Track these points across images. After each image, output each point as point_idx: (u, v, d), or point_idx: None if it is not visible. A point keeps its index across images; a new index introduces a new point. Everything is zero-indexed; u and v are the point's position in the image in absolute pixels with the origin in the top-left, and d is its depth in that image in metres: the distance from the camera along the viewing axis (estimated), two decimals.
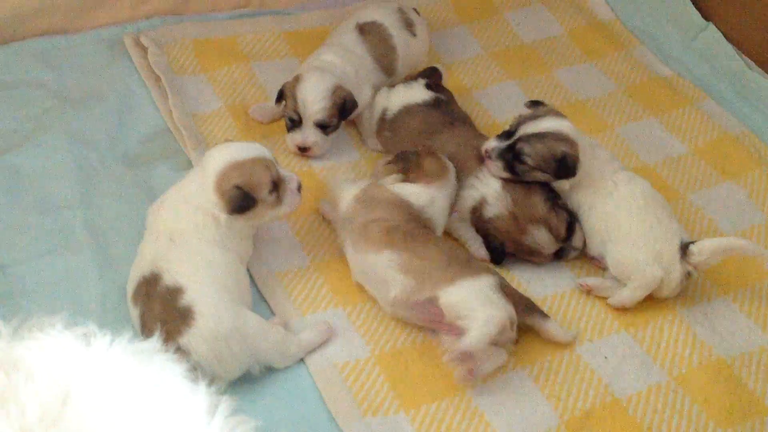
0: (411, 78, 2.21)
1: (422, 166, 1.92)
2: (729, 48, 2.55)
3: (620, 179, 1.93)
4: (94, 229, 1.93)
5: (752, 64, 2.52)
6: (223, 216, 1.72)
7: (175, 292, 1.61)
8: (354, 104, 2.13)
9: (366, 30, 2.28)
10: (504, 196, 1.92)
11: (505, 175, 1.92)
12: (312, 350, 1.73)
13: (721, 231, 2.07)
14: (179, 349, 1.54)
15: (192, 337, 1.57)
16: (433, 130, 2.05)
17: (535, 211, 1.90)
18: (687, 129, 2.36)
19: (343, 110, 2.11)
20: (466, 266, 1.73)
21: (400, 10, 2.35)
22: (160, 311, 1.61)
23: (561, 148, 1.88)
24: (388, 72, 2.29)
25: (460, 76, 2.49)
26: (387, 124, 2.14)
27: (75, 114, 2.19)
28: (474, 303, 1.65)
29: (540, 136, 1.90)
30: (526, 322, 1.75)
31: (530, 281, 1.92)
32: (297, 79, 2.09)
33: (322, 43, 2.34)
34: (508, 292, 1.72)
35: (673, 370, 1.77)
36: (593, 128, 2.33)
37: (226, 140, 1.89)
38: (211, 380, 1.53)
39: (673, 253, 1.81)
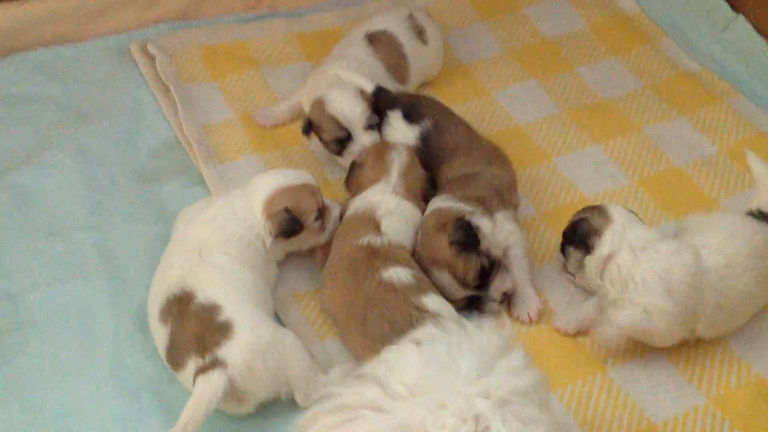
0: (383, 111, 2.03)
1: (356, 177, 1.90)
2: (760, 40, 2.44)
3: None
4: (104, 252, 1.87)
5: None
6: (269, 239, 1.73)
7: (211, 309, 1.59)
8: (386, 95, 2.04)
9: (375, 39, 2.20)
10: (419, 232, 1.80)
11: (561, 257, 1.79)
12: None
13: None
14: (215, 362, 1.52)
15: (230, 349, 1.54)
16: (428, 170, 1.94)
17: (438, 253, 1.74)
18: (717, 128, 2.26)
19: (377, 107, 2.03)
20: None
21: (410, 17, 2.27)
22: (196, 327, 1.57)
23: (585, 214, 1.74)
24: (401, 80, 2.21)
25: (479, 76, 2.40)
26: None
27: (82, 128, 2.13)
28: None
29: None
30: None
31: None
32: (321, 103, 1.99)
33: (334, 46, 2.27)
34: None
35: (710, 392, 1.69)
36: (619, 129, 2.25)
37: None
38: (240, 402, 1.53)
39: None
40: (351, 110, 1.98)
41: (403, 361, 1.31)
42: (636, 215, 1.75)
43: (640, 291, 1.64)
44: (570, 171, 2.13)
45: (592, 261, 1.69)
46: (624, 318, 1.65)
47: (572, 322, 1.76)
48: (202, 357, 1.54)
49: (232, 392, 1.53)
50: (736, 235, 1.72)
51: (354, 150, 2.00)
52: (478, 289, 1.75)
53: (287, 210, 1.73)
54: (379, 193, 1.85)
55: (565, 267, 1.80)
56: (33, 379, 1.65)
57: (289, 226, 1.73)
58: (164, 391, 1.64)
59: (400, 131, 2.00)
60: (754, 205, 1.86)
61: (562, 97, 2.34)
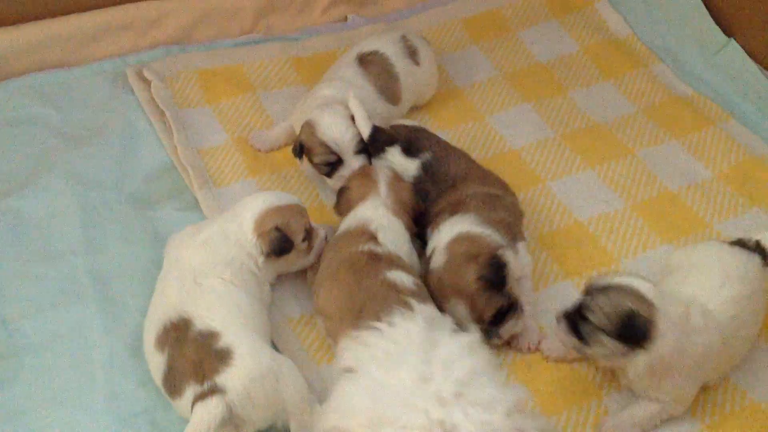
0: (380, 150, 2.02)
1: (345, 199, 1.90)
2: (752, 65, 2.46)
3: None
4: (99, 277, 1.87)
5: None
6: (261, 258, 1.75)
7: (210, 336, 1.59)
8: (382, 136, 2.05)
9: (366, 60, 2.21)
10: (443, 254, 1.75)
11: (569, 339, 1.60)
12: None
13: None
14: (214, 389, 1.52)
15: (230, 376, 1.54)
16: (429, 205, 1.93)
17: (462, 283, 1.70)
18: (711, 152, 2.27)
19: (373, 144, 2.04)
20: None
21: (403, 38, 2.28)
22: (194, 354, 1.57)
23: (628, 304, 1.55)
24: (393, 101, 2.22)
25: (473, 99, 2.41)
26: None
27: (77, 152, 2.13)
28: None
29: (606, 289, 1.57)
30: None
31: None
32: (311, 126, 2.00)
33: (325, 73, 2.28)
34: None
35: (705, 418, 1.69)
36: (613, 153, 2.26)
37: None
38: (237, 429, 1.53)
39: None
40: (341, 135, 1.99)
41: (349, 402, 1.32)
42: (650, 282, 1.61)
43: (671, 387, 1.60)
44: (564, 195, 2.14)
45: (643, 358, 1.56)
46: (644, 415, 1.63)
47: (554, 351, 1.76)
48: (201, 384, 1.53)
49: (230, 419, 1.52)
50: (730, 276, 1.67)
51: (344, 173, 2.01)
52: (489, 326, 1.72)
53: (278, 228, 1.75)
54: (371, 208, 1.86)
55: (576, 347, 1.62)
56: (28, 406, 1.65)
57: (279, 244, 1.75)
58: (158, 418, 1.64)
59: (400, 165, 2.00)
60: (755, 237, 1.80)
61: (556, 121, 2.35)
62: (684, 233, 2.05)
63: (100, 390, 1.67)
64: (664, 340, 1.54)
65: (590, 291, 1.58)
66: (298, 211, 1.81)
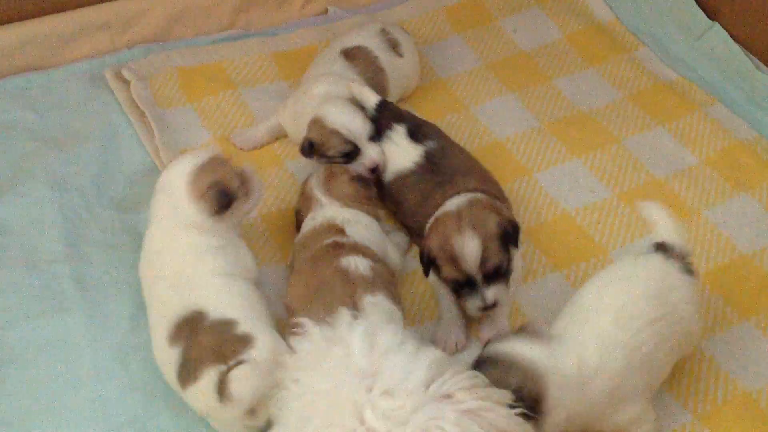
0: (386, 125, 2.00)
1: (298, 221, 1.90)
2: (736, 48, 2.45)
3: None
4: (83, 284, 1.85)
5: (761, 65, 2.42)
6: (208, 221, 1.69)
7: (227, 323, 1.56)
8: (391, 107, 2.05)
9: (351, 55, 2.19)
10: (465, 201, 1.77)
11: None
12: None
13: (740, 250, 1.98)
14: (239, 363, 1.49)
15: (254, 351, 1.51)
16: (426, 197, 1.89)
17: (482, 222, 1.71)
18: (696, 138, 2.26)
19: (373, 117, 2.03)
20: None
21: (383, 32, 2.26)
22: (212, 340, 1.55)
23: (513, 380, 1.42)
24: (382, 94, 2.18)
25: (457, 91, 2.39)
26: (386, 192, 1.99)
27: (57, 156, 2.10)
28: None
29: (495, 362, 1.46)
30: None
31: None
32: (320, 121, 1.97)
33: (308, 69, 2.25)
34: None
35: (697, 409, 1.69)
36: (599, 142, 2.24)
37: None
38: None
39: None
40: (352, 121, 1.96)
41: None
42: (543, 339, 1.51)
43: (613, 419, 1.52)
44: (551, 186, 2.13)
45: (551, 420, 1.45)
46: None
47: None
48: (224, 363, 1.51)
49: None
50: (629, 305, 1.55)
51: (364, 162, 1.97)
52: (483, 281, 1.70)
53: (212, 185, 1.70)
54: (329, 209, 1.84)
55: None
56: (13, 417, 1.63)
57: (221, 197, 1.70)
58: (147, 426, 1.62)
59: (404, 149, 1.96)
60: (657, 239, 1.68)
61: (541, 111, 2.34)
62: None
63: (87, 399, 1.65)
64: (563, 403, 1.44)
65: (481, 362, 1.48)
66: (219, 160, 1.75)
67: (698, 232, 2.02)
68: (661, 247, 1.64)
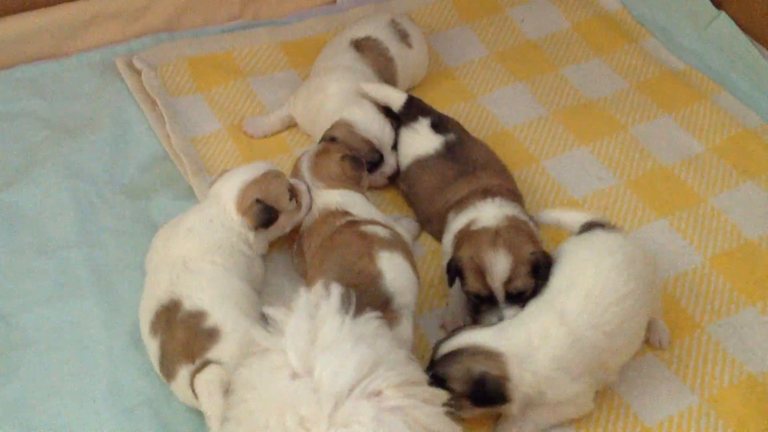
0: (412, 118, 2.03)
1: (292, 176, 1.90)
2: (742, 37, 2.45)
3: None
4: (96, 269, 1.87)
5: (767, 53, 2.42)
6: (251, 234, 1.75)
7: (198, 315, 1.60)
8: (419, 102, 2.07)
9: (362, 46, 2.20)
10: (502, 220, 1.74)
11: None
12: None
13: (746, 237, 1.99)
14: (207, 363, 1.53)
15: (220, 350, 1.55)
16: (446, 183, 1.91)
17: (518, 246, 1.69)
18: (704, 126, 2.28)
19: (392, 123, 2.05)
20: None
21: (393, 22, 2.27)
22: (183, 335, 1.58)
23: (477, 368, 1.51)
24: (391, 84, 2.20)
25: (465, 80, 2.41)
26: (402, 176, 2.02)
27: (69, 144, 2.12)
28: None
29: (453, 355, 1.54)
30: None
31: None
32: (350, 126, 1.97)
33: (317, 59, 2.27)
34: None
35: (704, 392, 1.70)
36: (606, 130, 2.26)
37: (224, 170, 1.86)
38: None
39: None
40: (382, 131, 1.99)
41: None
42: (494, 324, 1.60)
43: (558, 396, 1.56)
44: (558, 173, 2.14)
45: (514, 405, 1.54)
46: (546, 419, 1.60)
47: None
48: (192, 362, 1.55)
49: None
50: (576, 262, 1.62)
51: (385, 171, 2.01)
52: (506, 299, 1.70)
53: (258, 201, 1.75)
54: (320, 196, 1.85)
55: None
56: (29, 400, 1.65)
57: (264, 215, 1.75)
58: (161, 408, 1.64)
59: (425, 137, 1.98)
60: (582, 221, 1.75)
61: (548, 99, 2.35)
62: (679, 208, 2.06)
63: (101, 382, 1.67)
64: (524, 382, 1.51)
65: (439, 360, 1.54)
66: (274, 175, 1.80)
67: (705, 218, 2.04)
68: (593, 225, 1.69)
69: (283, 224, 1.81)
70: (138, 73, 2.28)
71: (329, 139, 1.97)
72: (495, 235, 1.70)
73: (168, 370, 1.59)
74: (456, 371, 1.51)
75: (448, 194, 1.88)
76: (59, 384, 1.68)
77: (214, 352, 1.55)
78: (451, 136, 1.98)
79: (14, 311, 1.78)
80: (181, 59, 2.34)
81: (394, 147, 2.03)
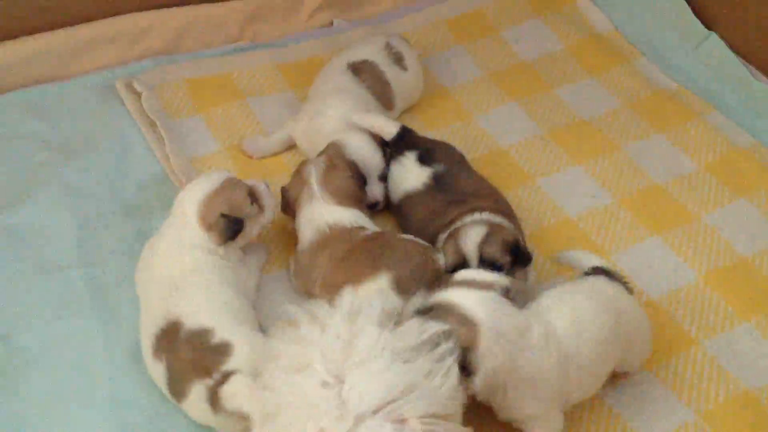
0: (399, 152, 2.03)
1: (285, 199, 1.93)
2: (733, 57, 2.50)
3: None
4: (97, 289, 1.89)
5: (758, 73, 2.47)
6: (220, 248, 1.76)
7: (203, 333, 1.61)
8: (387, 144, 2.08)
9: (359, 69, 2.23)
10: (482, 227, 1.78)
11: None
12: None
13: (740, 254, 2.02)
14: (227, 374, 1.54)
15: (235, 361, 1.56)
16: (436, 215, 1.92)
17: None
18: (695, 144, 2.31)
19: (384, 153, 2.07)
20: None
21: (388, 46, 2.30)
22: (191, 353, 1.59)
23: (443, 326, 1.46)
24: (388, 107, 2.25)
25: (460, 99, 2.44)
26: (394, 209, 2.05)
27: (70, 165, 2.14)
28: None
29: (430, 311, 1.50)
30: None
31: None
32: (340, 147, 1.99)
33: (316, 75, 2.30)
34: None
35: (699, 408, 1.72)
36: (600, 149, 2.29)
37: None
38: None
39: None
40: (371, 158, 2.01)
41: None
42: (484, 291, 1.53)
43: (519, 407, 1.53)
44: (553, 192, 2.17)
45: (478, 379, 1.46)
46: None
47: None
48: (209, 377, 1.55)
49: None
50: (581, 293, 1.63)
51: (367, 198, 2.03)
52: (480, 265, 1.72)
53: (222, 215, 1.75)
54: (318, 209, 1.86)
55: None
56: (30, 419, 1.66)
57: (231, 228, 1.76)
58: (162, 425, 1.66)
59: (412, 171, 1.99)
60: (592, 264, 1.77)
61: (543, 119, 2.38)
62: (672, 226, 2.08)
63: (103, 400, 1.68)
64: (492, 356, 1.44)
65: (428, 309, 1.50)
66: (232, 184, 1.79)
67: (698, 235, 2.06)
68: (600, 271, 1.71)
69: (250, 230, 1.82)
70: (138, 95, 2.30)
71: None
72: (473, 222, 1.79)
73: (178, 390, 1.60)
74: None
75: (437, 221, 1.90)
76: (60, 402, 1.69)
77: (230, 364, 1.56)
78: (439, 167, 1.98)
79: (15, 330, 1.79)
80: (180, 81, 2.37)
81: (384, 178, 2.04)
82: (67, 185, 2.10)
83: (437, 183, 1.97)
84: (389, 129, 2.06)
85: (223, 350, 1.58)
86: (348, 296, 1.49)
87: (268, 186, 1.86)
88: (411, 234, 1.90)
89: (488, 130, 2.34)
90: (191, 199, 1.77)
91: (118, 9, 2.42)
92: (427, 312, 1.48)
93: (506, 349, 1.46)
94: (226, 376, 1.54)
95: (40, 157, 2.16)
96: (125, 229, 2.02)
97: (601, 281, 1.68)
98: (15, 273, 1.91)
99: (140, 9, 2.44)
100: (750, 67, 2.48)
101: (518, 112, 2.40)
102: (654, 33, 2.64)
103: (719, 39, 2.53)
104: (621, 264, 1.98)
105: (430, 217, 1.93)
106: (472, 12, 2.73)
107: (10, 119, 2.24)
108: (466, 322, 1.45)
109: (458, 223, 1.84)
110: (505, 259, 1.73)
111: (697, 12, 2.60)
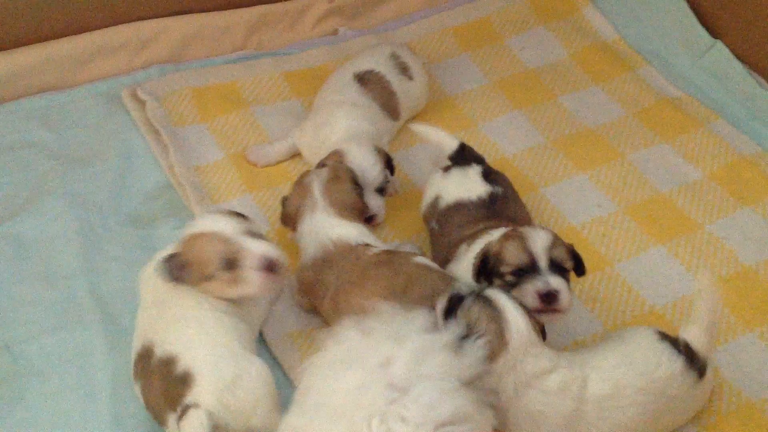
0: (465, 163, 2.01)
1: (285, 210, 1.91)
2: (738, 65, 2.49)
3: None
4: (100, 298, 1.89)
5: (763, 81, 2.46)
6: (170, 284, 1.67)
7: (168, 362, 1.57)
8: (391, 159, 2.08)
9: (365, 79, 2.24)
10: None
11: None
12: None
13: (743, 263, 2.01)
14: (188, 407, 1.51)
15: (197, 394, 1.53)
16: (469, 223, 1.89)
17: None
18: (700, 153, 2.30)
19: (389, 168, 2.06)
20: None
21: (393, 56, 2.31)
22: (160, 384, 1.58)
23: (482, 325, 1.52)
24: (394, 116, 2.25)
25: (465, 108, 2.44)
26: (437, 215, 1.97)
27: (75, 174, 2.16)
28: None
29: (488, 303, 1.54)
30: None
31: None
32: (341, 155, 2.00)
33: (321, 84, 2.30)
34: None
35: (702, 420, 1.71)
36: (604, 157, 2.29)
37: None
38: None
39: None
40: (370, 169, 2.00)
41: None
42: (536, 336, 1.54)
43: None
44: (558, 201, 2.17)
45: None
46: None
47: None
48: (174, 410, 1.54)
49: (217, 428, 1.51)
50: (634, 364, 1.58)
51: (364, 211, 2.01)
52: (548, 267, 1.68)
53: (171, 257, 1.65)
54: (320, 221, 1.85)
55: None
56: (33, 428, 1.67)
57: (169, 271, 1.64)
58: None
59: (475, 183, 1.95)
60: (683, 336, 1.66)
61: (547, 127, 2.38)
62: (676, 234, 2.08)
63: (105, 412, 1.69)
64: (497, 377, 1.49)
65: (478, 293, 1.55)
66: (212, 238, 1.63)
67: (702, 244, 2.06)
68: (684, 347, 1.63)
69: (217, 290, 1.65)
70: (143, 103, 2.31)
71: (321, 165, 2.00)
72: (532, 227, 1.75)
73: (157, 416, 1.60)
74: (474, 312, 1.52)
75: (465, 230, 1.87)
76: (63, 413, 1.69)
77: (191, 397, 1.52)
78: (499, 190, 1.95)
79: (19, 340, 1.80)
80: (185, 90, 2.38)
81: (381, 191, 2.04)
82: (72, 194, 2.11)
83: (491, 202, 1.93)
84: (450, 143, 2.05)
85: (184, 381, 1.53)
86: (423, 314, 1.50)
87: (269, 264, 1.63)
88: (440, 242, 1.90)
89: (493, 139, 2.34)
90: (184, 233, 1.69)
91: (123, 18, 2.43)
92: (474, 297, 1.52)
93: (514, 382, 1.49)
94: (184, 411, 1.51)
95: (45, 165, 2.18)
96: (130, 237, 2.04)
97: (666, 358, 1.59)
98: (20, 282, 1.92)
99: (145, 18, 2.45)
100: (755, 75, 2.48)
101: (523, 121, 2.40)
102: (659, 41, 2.64)
103: (724, 47, 2.53)
104: (625, 273, 1.98)
105: (462, 223, 1.91)
106: (477, 20, 2.73)
107: (15, 128, 2.26)
108: (501, 337, 1.49)
109: (485, 237, 1.80)
110: (570, 264, 1.71)
111: (702, 20, 2.61)
